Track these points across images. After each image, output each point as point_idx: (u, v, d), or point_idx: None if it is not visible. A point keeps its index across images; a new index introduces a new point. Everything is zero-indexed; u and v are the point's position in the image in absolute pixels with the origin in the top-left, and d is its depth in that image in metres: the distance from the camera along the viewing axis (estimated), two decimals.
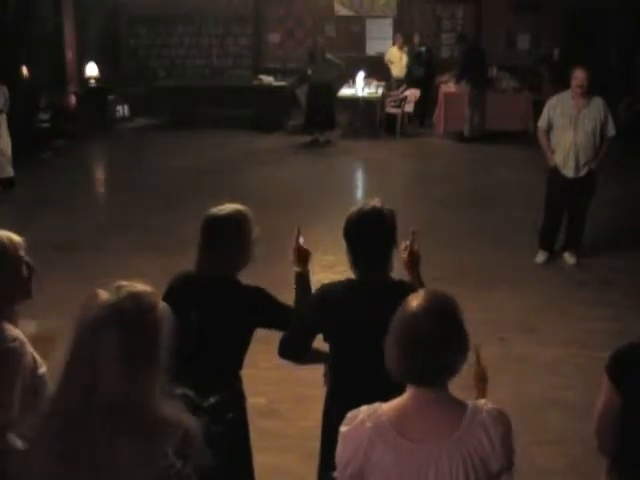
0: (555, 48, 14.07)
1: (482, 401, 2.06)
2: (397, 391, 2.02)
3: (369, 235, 2.71)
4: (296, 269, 3.08)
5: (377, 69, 14.48)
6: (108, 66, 15.02)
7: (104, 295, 1.82)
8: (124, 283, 1.87)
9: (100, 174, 12.33)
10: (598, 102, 6.67)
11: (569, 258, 7.15)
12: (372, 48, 15.88)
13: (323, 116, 12.80)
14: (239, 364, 3.01)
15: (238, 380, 3.02)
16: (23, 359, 2.36)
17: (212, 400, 2.83)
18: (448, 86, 13.59)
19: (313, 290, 3.01)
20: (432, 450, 1.93)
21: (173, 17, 15.89)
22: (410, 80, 14.12)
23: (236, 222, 2.92)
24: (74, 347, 1.80)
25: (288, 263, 3.16)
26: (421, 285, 2.82)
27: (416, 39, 14.64)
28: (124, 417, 1.77)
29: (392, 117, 13.58)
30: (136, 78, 15.65)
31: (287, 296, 3.04)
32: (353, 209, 2.79)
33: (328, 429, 2.75)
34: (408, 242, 2.97)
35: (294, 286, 3.07)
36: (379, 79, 14.22)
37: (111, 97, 14.54)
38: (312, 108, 12.89)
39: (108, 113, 14.46)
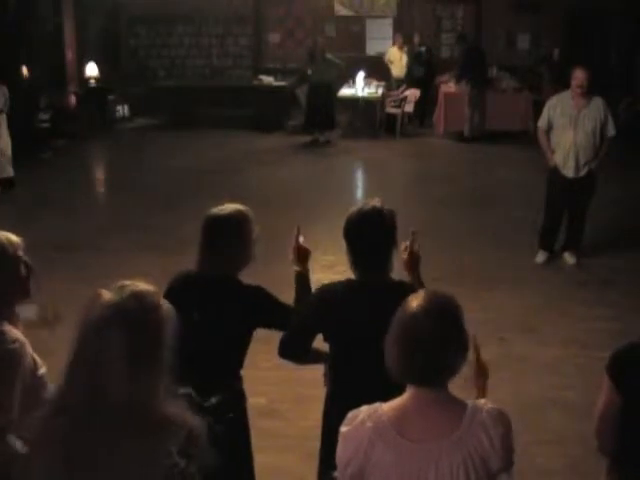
0: (555, 48, 14.07)
1: (482, 401, 2.06)
2: (397, 391, 2.03)
3: (369, 235, 2.71)
4: (296, 268, 3.08)
5: (377, 69, 14.48)
6: (108, 66, 15.02)
7: (107, 295, 1.82)
8: (127, 282, 1.87)
9: (100, 174, 12.33)
10: (598, 102, 6.67)
11: (569, 258, 7.15)
12: (372, 48, 15.88)
13: (323, 116, 12.80)
14: (239, 364, 3.01)
15: (239, 380, 3.02)
16: (23, 360, 2.36)
17: (213, 400, 2.83)
18: (448, 86, 13.59)
19: (313, 289, 3.01)
20: (432, 450, 1.93)
21: (173, 17, 15.89)
22: (410, 80, 14.12)
23: (237, 222, 2.92)
24: (77, 347, 1.79)
25: (288, 263, 3.16)
26: (421, 285, 2.82)
27: (416, 39, 14.64)
28: (128, 417, 1.77)
29: (392, 117, 13.58)
30: (136, 78, 15.65)
31: (287, 296, 3.04)
32: (353, 209, 2.79)
33: (328, 429, 2.75)
34: (408, 242, 2.97)
35: (294, 285, 3.07)
36: (379, 79, 14.22)
37: (111, 97, 14.54)
38: (312, 108, 12.89)
39: (108, 113, 14.46)
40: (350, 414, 2.03)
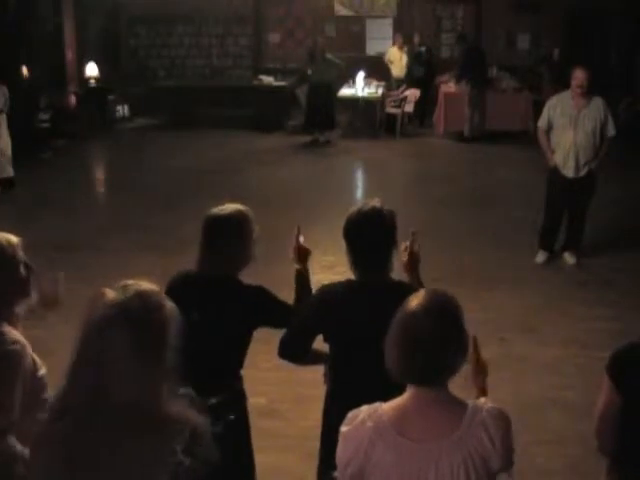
0: (555, 48, 14.07)
1: (482, 400, 2.06)
2: (397, 391, 2.03)
3: (369, 235, 2.71)
4: (296, 267, 3.09)
5: (377, 69, 14.48)
6: (108, 66, 15.02)
7: (111, 294, 1.81)
8: (130, 282, 1.86)
9: (100, 174, 12.33)
10: (598, 102, 6.67)
11: (569, 258, 7.15)
12: (372, 48, 15.89)
13: (323, 116, 12.81)
14: (240, 364, 3.02)
15: (239, 380, 3.02)
16: (23, 361, 2.36)
17: (213, 400, 2.83)
18: (448, 86, 13.59)
19: (312, 288, 3.02)
20: (432, 450, 1.93)
21: (173, 17, 15.89)
22: (410, 80, 14.12)
23: (237, 222, 2.92)
24: (81, 347, 1.79)
25: (288, 263, 3.17)
26: (420, 286, 2.81)
27: (416, 39, 14.64)
28: (132, 416, 1.76)
29: (392, 117, 13.58)
30: (136, 78, 15.65)
31: (287, 295, 3.05)
32: (353, 209, 2.79)
33: (328, 429, 2.75)
34: (408, 243, 2.97)
35: (294, 285, 3.08)
36: (379, 79, 14.22)
37: (111, 97, 14.54)
38: (312, 108, 12.89)
39: (108, 113, 14.46)
40: (350, 414, 2.03)
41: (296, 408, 4.66)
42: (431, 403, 1.98)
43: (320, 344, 2.89)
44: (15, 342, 2.36)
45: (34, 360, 2.43)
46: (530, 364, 5.25)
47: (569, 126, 6.67)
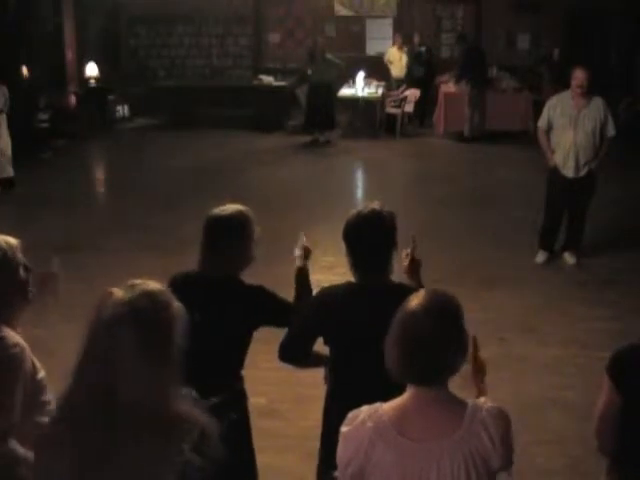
0: (555, 48, 14.07)
1: (482, 399, 2.06)
2: (397, 393, 2.03)
3: (368, 237, 2.72)
4: (298, 265, 3.13)
5: (377, 69, 14.48)
6: (108, 66, 15.03)
7: (119, 293, 1.81)
8: (137, 281, 1.87)
9: (100, 174, 12.33)
10: (598, 102, 6.67)
11: (569, 258, 7.15)
12: (372, 48, 15.88)
13: (323, 116, 12.81)
14: (240, 364, 3.02)
15: (240, 380, 3.03)
16: (24, 365, 2.36)
17: (214, 400, 2.83)
18: (448, 86, 13.59)
19: (313, 290, 3.04)
20: (433, 450, 1.93)
21: (173, 17, 15.89)
22: (410, 80, 14.12)
23: (238, 223, 2.93)
24: (88, 345, 1.78)
25: (289, 263, 3.21)
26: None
27: (416, 39, 14.64)
28: (140, 416, 1.76)
29: (392, 117, 13.58)
30: (136, 78, 15.65)
31: (287, 295, 3.06)
32: (352, 211, 2.80)
33: (328, 430, 2.75)
34: (409, 249, 3.00)
35: (294, 282, 3.12)
36: (379, 79, 14.22)
37: (111, 97, 14.54)
38: (312, 108, 12.89)
39: (108, 113, 14.46)
40: (350, 414, 2.03)
41: (296, 408, 4.66)
42: (431, 403, 1.98)
43: (320, 346, 2.90)
44: (15, 345, 2.36)
45: (34, 363, 2.43)
46: (530, 364, 5.25)
47: (569, 126, 6.67)
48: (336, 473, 2.06)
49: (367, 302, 2.69)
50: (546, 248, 7.20)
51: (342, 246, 2.79)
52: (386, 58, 14.71)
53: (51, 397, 2.45)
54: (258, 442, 3.17)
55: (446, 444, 1.93)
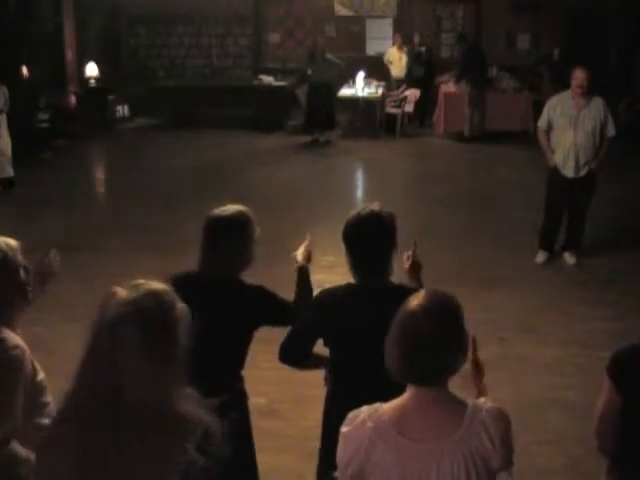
0: (555, 48, 14.08)
1: (482, 400, 2.06)
2: (397, 393, 2.03)
3: (368, 238, 2.72)
4: (300, 264, 3.15)
5: (377, 69, 14.48)
6: (108, 66, 15.03)
7: (123, 293, 1.81)
8: (141, 281, 1.86)
9: (100, 174, 12.33)
10: (598, 102, 6.67)
11: (569, 258, 7.15)
12: (372, 48, 15.89)
13: (323, 116, 12.81)
14: (241, 364, 3.02)
15: (240, 380, 3.03)
16: (24, 366, 2.37)
17: (215, 401, 2.82)
18: (448, 86, 13.59)
19: (313, 290, 3.05)
20: (433, 450, 1.93)
21: (173, 17, 15.90)
22: (410, 80, 14.13)
23: (239, 223, 2.94)
24: (92, 345, 1.78)
25: (289, 263, 3.22)
26: None
27: (416, 39, 14.64)
28: (144, 416, 1.76)
29: (392, 117, 13.58)
30: (136, 78, 15.65)
31: (287, 295, 3.06)
32: (352, 212, 2.80)
33: (328, 430, 2.75)
34: (410, 253, 3.03)
35: (296, 280, 3.14)
36: (379, 79, 14.22)
37: (111, 97, 14.54)
38: (312, 108, 12.89)
39: (108, 113, 14.46)
40: (350, 414, 2.03)
41: (296, 408, 4.67)
42: (431, 403, 1.98)
43: (320, 348, 2.90)
44: (16, 347, 2.37)
45: (33, 364, 2.43)
46: (530, 364, 5.25)
47: (569, 126, 6.67)
48: (336, 473, 2.06)
49: (367, 303, 2.69)
50: (546, 248, 7.20)
51: (342, 246, 2.79)
52: (386, 58, 14.71)
53: (51, 398, 2.45)
54: (258, 442, 3.17)
55: (446, 444, 1.93)
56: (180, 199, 9.22)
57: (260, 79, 14.58)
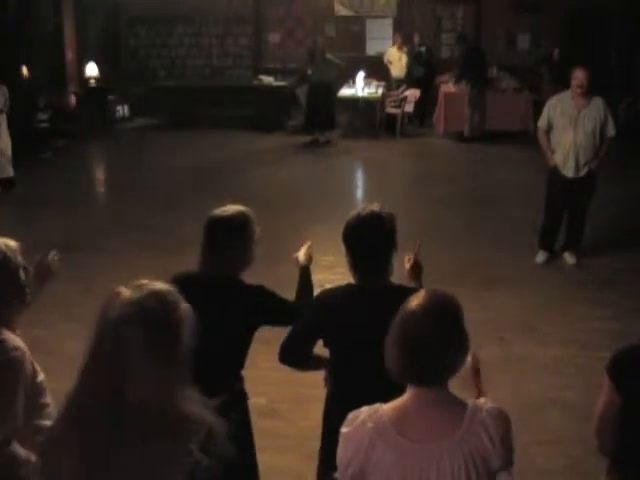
0: (555, 48, 14.08)
1: (482, 400, 2.06)
2: (397, 393, 2.03)
3: (368, 239, 2.72)
4: (302, 265, 3.18)
5: (377, 69, 14.48)
6: (108, 66, 15.03)
7: (127, 293, 1.81)
8: (144, 281, 1.86)
9: (100, 174, 12.33)
10: (598, 102, 6.67)
11: (569, 258, 7.15)
12: (372, 48, 15.88)
13: (323, 116, 12.81)
14: (241, 364, 3.02)
15: (240, 380, 3.03)
16: (24, 368, 2.37)
17: (214, 402, 2.82)
18: (448, 86, 13.59)
19: (313, 290, 3.05)
20: (433, 450, 1.93)
21: (173, 17, 15.90)
22: (410, 80, 14.13)
23: (239, 223, 2.94)
24: (95, 345, 1.78)
25: (289, 263, 3.23)
26: None
27: (416, 39, 14.64)
28: (147, 416, 1.76)
29: (392, 117, 13.58)
30: (136, 78, 15.65)
31: (287, 295, 3.06)
32: (352, 213, 2.80)
33: (329, 431, 2.75)
34: (411, 255, 3.04)
35: (298, 279, 3.17)
36: (379, 79, 14.22)
37: (111, 97, 14.54)
38: (312, 108, 12.89)
39: (108, 113, 14.46)
40: (351, 415, 2.03)
41: (296, 408, 4.67)
42: (431, 403, 1.98)
43: (320, 349, 2.90)
44: (16, 348, 2.37)
45: (33, 365, 2.43)
46: (530, 364, 5.25)
47: (569, 126, 6.67)
48: (336, 474, 2.06)
49: (367, 304, 2.69)
50: (546, 248, 7.20)
51: (342, 246, 2.79)
52: (386, 58, 14.70)
53: (50, 399, 2.45)
54: (258, 442, 3.17)
55: (446, 444, 1.93)
56: (180, 199, 9.22)
57: (260, 79, 14.58)
